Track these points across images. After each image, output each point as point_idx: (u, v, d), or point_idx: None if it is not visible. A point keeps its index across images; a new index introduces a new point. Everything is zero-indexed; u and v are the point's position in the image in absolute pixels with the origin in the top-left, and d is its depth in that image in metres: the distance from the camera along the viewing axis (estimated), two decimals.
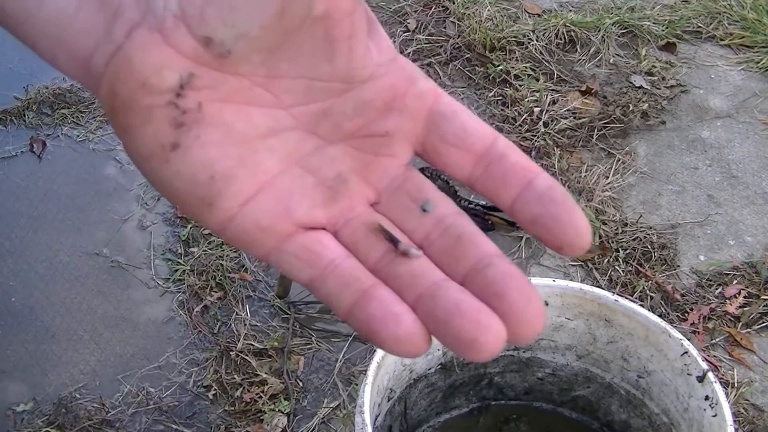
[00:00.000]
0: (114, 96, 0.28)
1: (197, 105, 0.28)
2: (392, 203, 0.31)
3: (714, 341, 1.55)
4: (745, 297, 1.62)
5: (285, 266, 0.29)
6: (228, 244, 0.36)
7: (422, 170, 1.68)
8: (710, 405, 0.92)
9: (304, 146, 0.30)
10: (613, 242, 1.73)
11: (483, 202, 1.78)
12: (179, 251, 1.74)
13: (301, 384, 1.49)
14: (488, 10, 2.34)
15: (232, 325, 1.59)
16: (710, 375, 0.93)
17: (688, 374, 0.96)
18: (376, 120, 0.30)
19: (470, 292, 0.28)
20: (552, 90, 2.11)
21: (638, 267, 1.68)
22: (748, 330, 1.57)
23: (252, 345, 1.54)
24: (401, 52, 0.35)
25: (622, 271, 1.67)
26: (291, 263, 0.29)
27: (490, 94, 2.10)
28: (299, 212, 0.30)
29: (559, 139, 1.98)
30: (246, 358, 1.51)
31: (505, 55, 2.21)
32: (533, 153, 1.95)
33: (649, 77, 2.17)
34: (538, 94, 2.08)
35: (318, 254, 0.29)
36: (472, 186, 0.30)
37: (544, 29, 2.27)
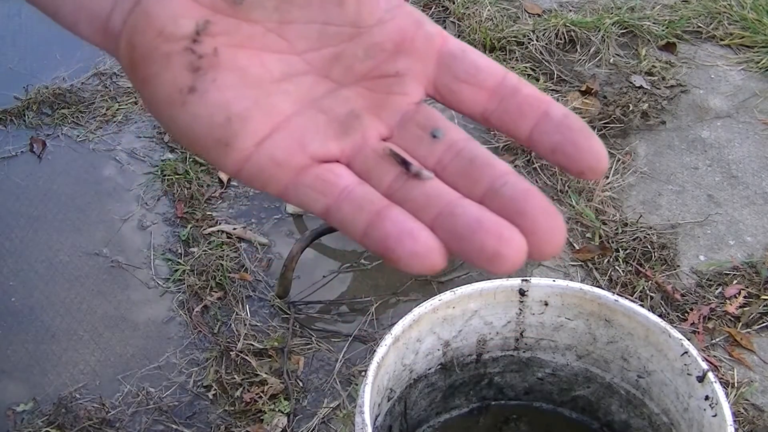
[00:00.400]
0: (133, 48, 0.29)
1: (213, 50, 0.29)
2: (403, 135, 0.31)
3: (714, 341, 1.55)
4: (745, 297, 1.62)
5: (301, 198, 0.30)
6: (245, 185, 0.37)
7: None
8: (710, 405, 0.92)
9: (317, 89, 0.31)
10: (613, 242, 1.73)
11: None
12: (179, 251, 1.74)
13: (301, 384, 1.49)
14: (488, 10, 2.34)
15: (232, 325, 1.59)
16: (710, 375, 0.93)
17: (688, 374, 0.96)
18: (387, 62, 0.31)
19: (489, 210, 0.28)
20: (552, 90, 2.11)
21: (638, 267, 1.68)
22: (748, 330, 1.57)
23: (252, 345, 1.54)
24: None
25: (622, 271, 1.67)
26: (307, 194, 0.30)
27: None
28: (313, 146, 0.30)
29: None
30: (246, 358, 1.51)
31: (505, 55, 2.21)
32: (533, 153, 1.94)
33: (649, 77, 2.17)
34: None
35: (332, 183, 0.30)
36: (487, 121, 0.31)
37: (544, 29, 2.27)
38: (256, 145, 0.30)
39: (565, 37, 2.26)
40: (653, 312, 1.25)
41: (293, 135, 0.30)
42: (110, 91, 2.18)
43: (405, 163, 0.30)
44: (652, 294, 1.62)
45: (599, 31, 2.27)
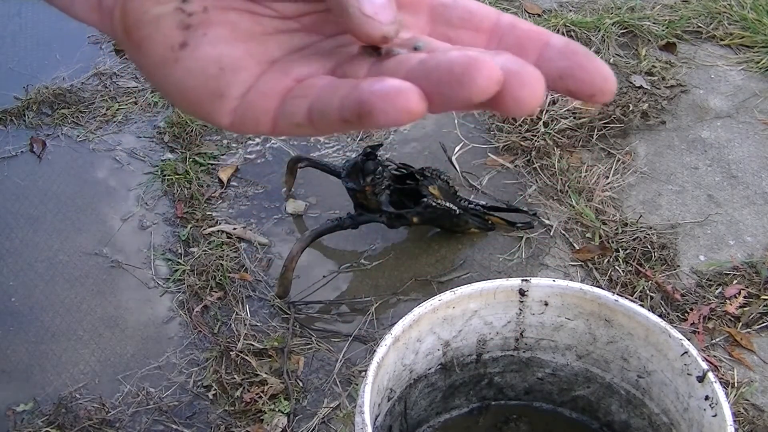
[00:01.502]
0: (126, 15, 0.30)
1: (203, 8, 0.30)
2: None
3: (714, 341, 1.55)
4: (745, 297, 1.62)
5: (288, 111, 0.30)
6: (239, 133, 0.37)
7: (422, 170, 1.68)
8: (710, 405, 0.92)
9: (309, 39, 0.32)
10: (613, 242, 1.73)
11: (483, 202, 1.78)
12: (179, 251, 1.74)
13: (301, 384, 1.49)
14: None
15: (232, 325, 1.59)
16: (710, 375, 0.93)
17: (688, 374, 0.96)
18: None
19: None
20: (552, 90, 2.11)
21: (638, 267, 1.68)
22: (748, 330, 1.57)
23: (252, 345, 1.54)
24: None
25: (622, 271, 1.67)
26: (292, 104, 0.30)
27: None
28: (297, 70, 0.31)
29: (559, 139, 1.98)
30: (246, 358, 1.51)
31: None
32: (533, 153, 1.95)
33: (649, 77, 2.17)
34: None
35: (312, 85, 0.30)
36: None
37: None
38: (248, 89, 0.30)
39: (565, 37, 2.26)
40: (653, 312, 1.25)
41: (279, 69, 0.31)
42: (110, 91, 2.18)
43: (375, 49, 0.30)
44: (652, 294, 1.62)
45: (599, 31, 2.27)
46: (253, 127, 0.31)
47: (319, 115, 0.29)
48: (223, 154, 1.99)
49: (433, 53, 0.28)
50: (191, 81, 0.30)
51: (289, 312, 1.60)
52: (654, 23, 2.31)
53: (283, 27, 0.32)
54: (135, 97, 2.16)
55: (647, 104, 2.08)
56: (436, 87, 0.26)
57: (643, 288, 1.63)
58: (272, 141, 2.04)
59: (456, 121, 2.06)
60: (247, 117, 0.30)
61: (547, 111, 2.04)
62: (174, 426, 1.43)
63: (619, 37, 2.29)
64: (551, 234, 1.77)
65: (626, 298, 1.05)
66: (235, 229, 1.78)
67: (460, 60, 0.26)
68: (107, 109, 2.12)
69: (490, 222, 1.76)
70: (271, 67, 0.31)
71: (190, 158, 1.95)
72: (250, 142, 2.03)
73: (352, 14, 0.28)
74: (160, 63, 0.30)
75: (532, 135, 1.98)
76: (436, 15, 0.32)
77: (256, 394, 1.45)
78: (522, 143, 1.96)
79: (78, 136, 2.05)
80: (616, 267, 1.68)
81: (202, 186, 1.90)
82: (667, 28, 2.31)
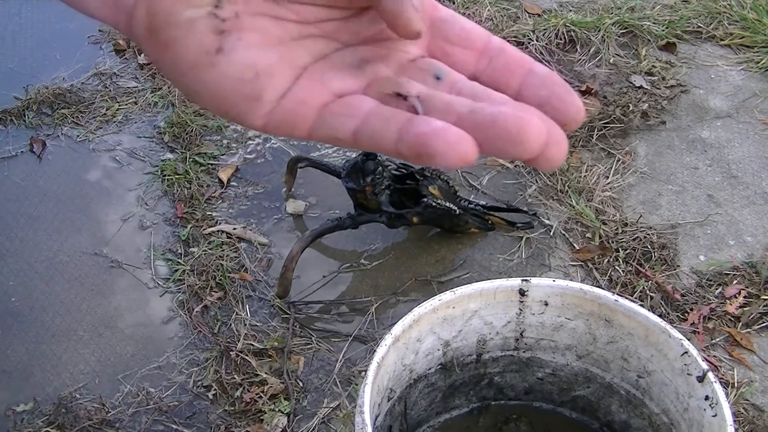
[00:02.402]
0: (153, 15, 0.31)
1: (234, 14, 0.31)
2: (408, 75, 0.34)
3: (714, 341, 1.55)
4: (745, 297, 1.62)
5: (330, 126, 0.32)
6: (273, 134, 0.40)
7: (422, 170, 1.68)
8: (710, 405, 0.92)
9: (330, 46, 0.34)
10: (613, 242, 1.73)
11: (483, 202, 1.78)
12: (179, 251, 1.74)
13: (301, 384, 1.49)
14: (488, 10, 2.34)
15: (232, 325, 1.59)
16: (710, 375, 0.93)
17: (688, 374, 0.96)
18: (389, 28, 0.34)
19: None
20: None
21: (638, 267, 1.68)
22: (748, 330, 1.57)
23: (252, 345, 1.54)
24: None
25: (622, 271, 1.67)
26: (334, 120, 0.32)
27: None
28: (334, 83, 0.32)
29: None
30: (246, 358, 1.51)
31: None
32: None
33: (649, 77, 2.17)
34: None
35: (357, 106, 0.32)
36: (477, 79, 0.34)
37: (544, 29, 2.27)
38: (282, 95, 0.32)
39: (565, 37, 2.26)
40: (653, 312, 1.25)
41: (314, 77, 0.32)
42: (110, 91, 2.18)
43: (403, 96, 0.32)
44: (652, 294, 1.62)
45: (599, 31, 2.27)
46: (288, 131, 0.32)
47: (369, 140, 0.31)
48: (223, 154, 1.99)
49: (480, 105, 0.30)
50: (227, 85, 0.31)
51: (289, 312, 1.60)
52: (654, 23, 2.31)
53: (305, 32, 0.33)
54: (135, 97, 2.16)
55: (647, 104, 2.08)
56: (490, 140, 0.29)
57: (643, 288, 1.63)
58: (272, 141, 2.04)
59: None
60: (284, 121, 0.32)
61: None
62: (174, 426, 1.43)
63: (619, 37, 2.29)
64: (551, 234, 1.77)
65: (626, 298, 1.05)
66: (235, 229, 1.78)
67: (515, 120, 0.29)
68: (107, 109, 2.12)
69: (490, 222, 1.76)
70: (304, 74, 0.32)
71: (190, 158, 1.95)
72: (250, 142, 2.03)
73: (405, 3, 0.31)
74: (193, 66, 0.31)
75: None
76: (435, 29, 0.34)
77: (256, 394, 1.45)
78: None
79: (78, 136, 2.05)
80: (616, 267, 1.68)
81: (202, 186, 1.90)
82: (667, 28, 2.31)
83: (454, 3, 2.37)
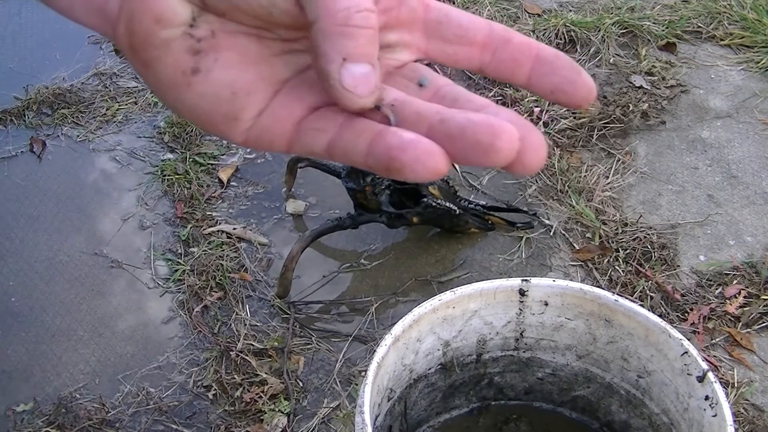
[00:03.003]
0: (132, 34, 0.30)
1: (211, 33, 0.31)
2: (392, 84, 0.33)
3: (714, 341, 1.55)
4: (745, 297, 1.62)
5: (305, 141, 0.31)
6: (253, 149, 0.41)
7: None
8: (710, 405, 0.92)
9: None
10: (613, 242, 1.73)
11: (483, 202, 1.78)
12: (179, 251, 1.74)
13: (301, 384, 1.49)
14: (488, 10, 2.34)
15: (232, 325, 1.59)
16: (710, 375, 0.93)
17: (688, 374, 0.96)
18: (380, 37, 0.33)
19: None
20: None
21: (638, 267, 1.68)
22: (748, 330, 1.57)
23: (252, 345, 1.54)
24: None
25: (622, 271, 1.67)
26: (310, 135, 0.31)
27: (490, 94, 2.10)
28: (310, 97, 0.32)
29: (559, 139, 1.98)
30: (246, 358, 1.51)
31: None
32: None
33: (649, 77, 2.17)
34: None
35: (330, 119, 0.31)
36: (484, 72, 0.33)
37: (544, 29, 2.27)
38: (260, 113, 0.31)
39: (565, 37, 2.26)
40: (653, 312, 1.25)
41: (291, 92, 0.32)
42: (110, 91, 2.18)
43: (386, 118, 0.32)
44: (652, 294, 1.62)
45: (599, 31, 2.27)
46: (267, 147, 0.32)
47: (342, 154, 0.30)
48: (223, 154, 1.99)
49: (451, 113, 0.29)
50: (205, 104, 0.31)
51: (289, 312, 1.60)
52: (654, 23, 2.31)
53: (287, 48, 0.32)
54: (135, 97, 2.16)
55: (647, 104, 2.08)
56: (460, 151, 0.28)
57: (643, 288, 1.63)
58: None
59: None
60: (262, 138, 0.32)
61: (547, 111, 2.04)
62: (174, 426, 1.43)
63: (619, 37, 2.29)
64: (551, 234, 1.77)
65: (626, 298, 1.05)
66: (235, 229, 1.78)
67: (485, 129, 0.28)
68: (107, 109, 2.12)
69: (490, 222, 1.76)
70: (282, 89, 0.32)
71: (190, 158, 1.95)
72: None
73: (332, 86, 0.29)
74: (171, 85, 0.31)
75: None
76: (430, 31, 0.33)
77: (256, 394, 1.45)
78: None
79: (78, 136, 2.05)
80: (616, 267, 1.68)
81: (202, 186, 1.90)
82: (667, 28, 2.31)
83: (454, 3, 2.37)
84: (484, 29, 0.33)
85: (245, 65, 0.31)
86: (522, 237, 1.76)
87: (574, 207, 1.81)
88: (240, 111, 0.31)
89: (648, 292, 1.63)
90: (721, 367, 1.50)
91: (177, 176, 1.91)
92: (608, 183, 1.88)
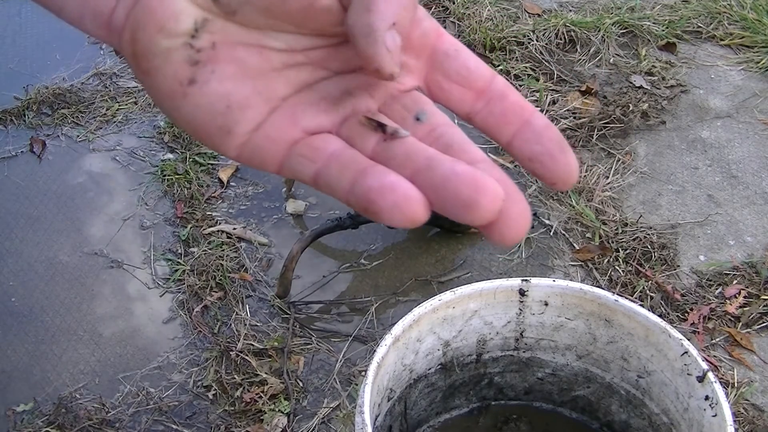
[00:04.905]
0: (135, 42, 0.31)
1: (211, 44, 0.31)
2: (389, 113, 0.32)
3: (714, 341, 1.55)
4: (745, 297, 1.62)
5: (294, 167, 0.31)
6: (245, 165, 0.40)
7: None
8: (710, 405, 0.92)
9: (316, 75, 0.33)
10: (613, 242, 1.73)
11: None
12: (179, 251, 1.74)
13: (301, 384, 1.49)
14: (488, 10, 2.34)
15: (232, 325, 1.59)
16: (710, 375, 0.93)
17: (688, 374, 0.96)
18: None
19: None
20: (552, 90, 2.11)
21: (638, 267, 1.68)
22: (748, 330, 1.57)
23: (252, 345, 1.54)
24: None
25: (622, 271, 1.67)
26: (298, 162, 0.31)
27: None
28: (305, 120, 0.32)
29: None
30: (246, 358, 1.51)
31: (505, 55, 2.21)
32: None
33: (649, 77, 2.17)
34: (538, 94, 2.08)
35: (320, 149, 0.31)
36: (471, 120, 0.33)
37: (544, 29, 2.27)
38: (256, 128, 0.31)
39: (565, 37, 2.26)
40: (653, 312, 1.25)
41: (287, 113, 0.32)
42: (110, 91, 2.18)
43: (381, 126, 0.31)
44: (652, 294, 1.62)
45: (599, 31, 2.27)
46: (258, 166, 0.32)
47: (326, 187, 0.30)
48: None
49: (439, 161, 0.29)
50: (199, 116, 0.31)
51: (289, 312, 1.60)
52: (654, 23, 2.31)
53: (290, 61, 0.32)
54: (135, 97, 2.16)
55: (647, 104, 2.08)
56: (441, 201, 0.28)
57: (643, 288, 1.63)
58: None
59: (455, 121, 2.06)
60: (254, 156, 0.32)
61: (547, 111, 2.04)
62: (174, 426, 1.43)
63: (619, 37, 2.29)
64: (551, 234, 1.77)
65: (626, 298, 1.05)
66: (235, 229, 1.78)
67: (468, 183, 0.27)
68: (107, 109, 2.12)
69: None
70: (278, 108, 0.32)
71: (190, 158, 1.95)
72: None
73: (377, 44, 0.29)
74: (169, 94, 0.31)
75: None
76: (435, 63, 0.33)
77: (256, 394, 1.45)
78: None
79: (78, 136, 2.05)
80: (616, 267, 1.68)
81: (202, 186, 1.90)
82: (667, 28, 2.31)
83: (454, 3, 2.37)
84: (486, 77, 0.33)
85: (242, 79, 0.31)
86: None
87: (574, 207, 1.81)
88: (234, 125, 0.31)
89: (648, 292, 1.63)
90: (721, 367, 1.50)
91: (177, 176, 1.91)
92: (608, 183, 1.88)
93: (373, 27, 0.29)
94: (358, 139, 0.31)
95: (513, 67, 2.16)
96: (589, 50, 2.24)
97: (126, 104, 2.14)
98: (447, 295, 1.01)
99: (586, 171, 1.91)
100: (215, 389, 1.48)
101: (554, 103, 2.07)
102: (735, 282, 1.64)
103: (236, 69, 0.31)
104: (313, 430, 1.42)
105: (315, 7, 0.30)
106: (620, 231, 1.76)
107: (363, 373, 1.49)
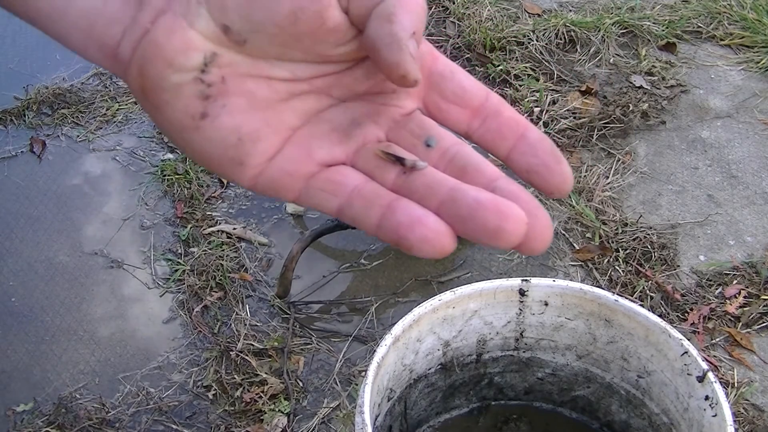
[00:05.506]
0: (144, 77, 0.31)
1: (221, 79, 0.31)
2: (398, 140, 0.34)
3: (714, 341, 1.55)
4: (745, 297, 1.62)
5: (314, 200, 0.32)
6: (261, 195, 0.43)
7: None
8: (710, 405, 0.92)
9: (321, 103, 0.34)
10: (613, 242, 1.73)
11: None
12: (179, 251, 1.74)
13: (301, 384, 1.49)
14: (488, 10, 2.34)
15: (232, 325, 1.59)
16: (710, 375, 0.93)
17: (688, 374, 0.96)
18: (384, 81, 0.34)
19: None
20: (552, 90, 2.11)
21: (638, 267, 1.68)
22: (748, 330, 1.57)
23: (252, 345, 1.54)
24: None
25: (622, 271, 1.67)
26: (319, 196, 0.32)
27: None
28: (320, 153, 0.32)
29: (559, 139, 1.98)
30: (246, 358, 1.51)
31: (505, 55, 2.21)
32: None
33: (649, 77, 2.17)
34: (538, 94, 2.08)
35: (341, 183, 0.32)
36: (469, 137, 0.34)
37: (544, 29, 2.27)
38: (268, 161, 0.32)
39: (565, 37, 2.26)
40: (653, 312, 1.25)
41: (301, 145, 0.32)
42: (110, 91, 2.18)
43: (399, 159, 0.32)
44: (652, 294, 1.62)
45: (599, 31, 2.27)
46: (275, 196, 0.33)
47: (352, 220, 0.31)
48: None
49: (462, 192, 0.30)
50: (212, 149, 0.32)
51: (289, 312, 1.60)
52: (654, 23, 2.31)
53: (296, 90, 0.33)
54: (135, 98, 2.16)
55: (647, 104, 2.08)
56: (469, 232, 0.29)
57: (643, 288, 1.63)
58: None
59: None
60: (270, 188, 0.33)
61: (547, 111, 2.04)
62: (174, 426, 1.43)
63: (619, 37, 2.29)
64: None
65: (626, 298, 1.05)
66: (235, 229, 1.78)
67: (494, 212, 0.29)
68: (107, 109, 2.12)
69: None
70: (291, 139, 0.32)
71: (189, 158, 1.95)
72: None
73: (402, 52, 0.30)
74: (180, 129, 0.32)
75: None
76: (432, 84, 0.34)
77: (256, 394, 1.45)
78: None
79: (78, 136, 2.05)
80: (616, 267, 1.68)
81: (202, 186, 1.90)
82: (667, 28, 2.31)
83: (454, 3, 2.37)
84: (481, 96, 0.34)
85: (252, 111, 0.32)
86: None
87: (574, 207, 1.81)
88: (246, 156, 0.32)
89: (648, 292, 1.63)
90: (721, 367, 1.50)
91: (177, 176, 1.91)
92: (608, 183, 1.88)
93: (397, 36, 0.30)
94: (377, 171, 0.32)
95: (513, 67, 2.16)
96: (589, 50, 2.24)
97: (126, 104, 2.14)
98: (447, 295, 1.01)
99: (586, 171, 1.91)
100: (215, 389, 1.48)
101: (554, 103, 2.07)
102: (735, 282, 1.65)
103: (246, 102, 0.32)
104: (313, 430, 1.42)
105: (325, 26, 0.31)
106: (620, 231, 1.76)
107: (363, 373, 1.49)
